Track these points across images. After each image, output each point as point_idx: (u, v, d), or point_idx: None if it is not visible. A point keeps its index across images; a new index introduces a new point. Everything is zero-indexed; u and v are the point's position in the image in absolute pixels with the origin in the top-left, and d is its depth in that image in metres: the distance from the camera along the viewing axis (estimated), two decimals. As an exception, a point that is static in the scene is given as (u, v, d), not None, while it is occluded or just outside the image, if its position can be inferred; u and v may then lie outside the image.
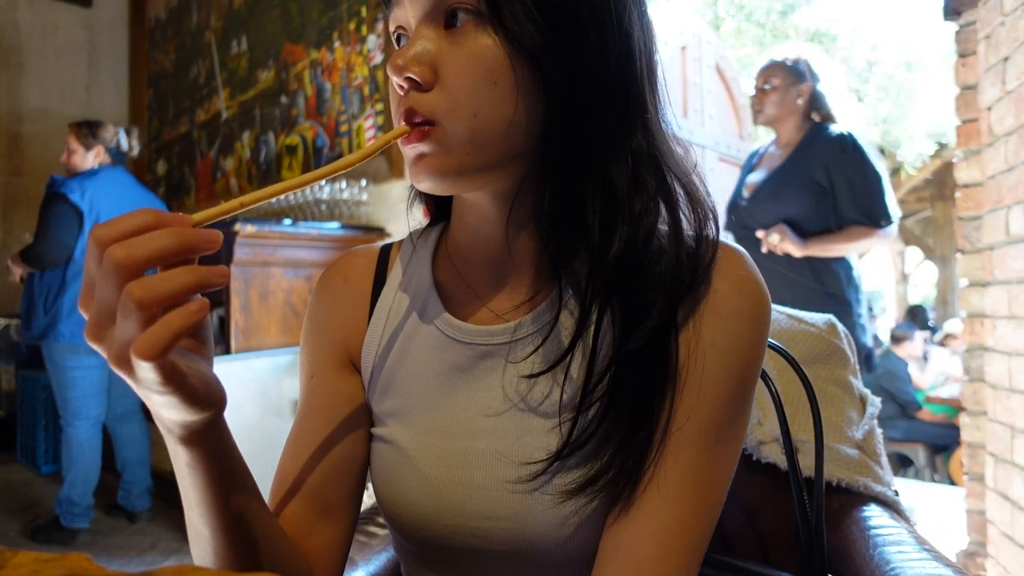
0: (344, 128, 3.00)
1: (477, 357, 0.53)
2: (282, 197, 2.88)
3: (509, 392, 0.51)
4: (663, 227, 0.49)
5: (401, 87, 0.47)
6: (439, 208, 0.61)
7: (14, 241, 2.60)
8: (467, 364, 0.53)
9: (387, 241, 0.64)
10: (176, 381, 0.35)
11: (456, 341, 0.53)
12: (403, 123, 0.47)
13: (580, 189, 0.48)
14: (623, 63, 0.48)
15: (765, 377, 0.67)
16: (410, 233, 0.62)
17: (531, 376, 0.50)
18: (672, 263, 0.47)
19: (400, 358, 0.56)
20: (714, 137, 3.36)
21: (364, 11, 2.91)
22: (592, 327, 0.48)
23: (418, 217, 0.63)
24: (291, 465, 0.55)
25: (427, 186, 0.48)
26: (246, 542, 0.46)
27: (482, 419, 0.52)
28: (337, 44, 3.03)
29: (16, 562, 0.22)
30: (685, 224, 0.49)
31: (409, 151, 0.47)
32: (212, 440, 0.42)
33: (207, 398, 0.38)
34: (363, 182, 2.75)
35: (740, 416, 0.49)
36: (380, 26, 2.82)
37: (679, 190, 0.50)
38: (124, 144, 2.66)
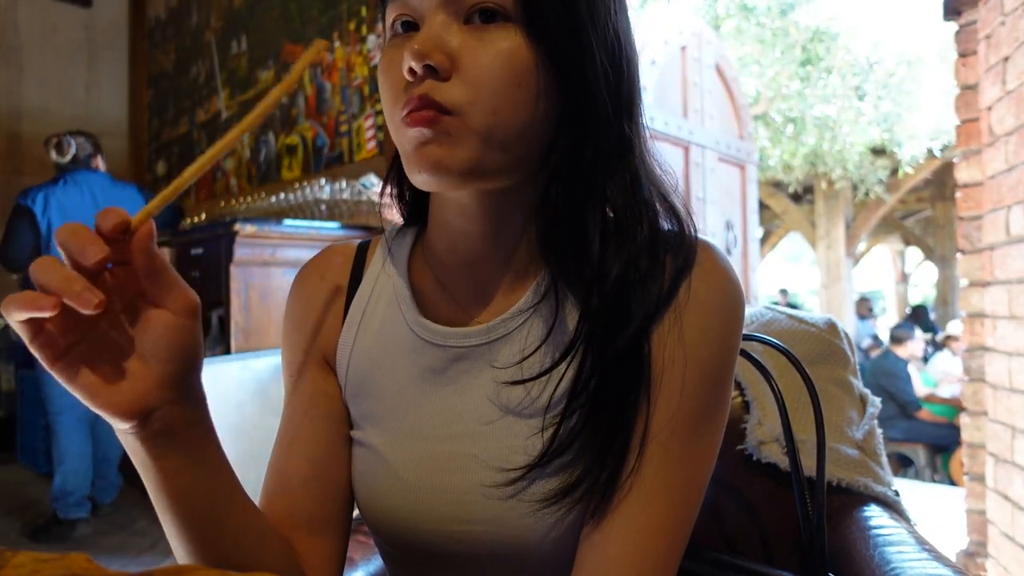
0: (344, 128, 3.00)
1: (451, 360, 0.52)
2: (282, 196, 2.89)
3: (486, 397, 0.51)
4: (658, 246, 0.50)
5: (413, 72, 0.45)
6: (415, 210, 0.60)
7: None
8: (442, 367, 0.52)
9: (366, 238, 0.63)
10: (46, 354, 0.38)
11: (430, 344, 0.53)
12: (410, 112, 0.45)
13: (582, 201, 0.49)
14: (630, 83, 0.50)
15: (767, 376, 0.67)
16: (386, 233, 0.61)
17: (512, 384, 0.49)
18: (653, 277, 0.48)
19: (374, 360, 0.55)
20: (714, 137, 3.37)
21: (364, 11, 2.91)
22: (580, 341, 0.47)
23: (392, 219, 0.62)
24: (277, 478, 0.55)
25: (425, 179, 0.46)
26: (208, 558, 0.46)
27: (458, 423, 0.51)
28: (337, 44, 3.03)
29: (16, 562, 0.22)
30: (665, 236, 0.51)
31: (415, 134, 0.45)
32: (138, 449, 0.42)
33: (92, 396, 0.39)
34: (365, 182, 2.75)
35: (716, 411, 0.49)
36: (380, 26, 2.83)
37: (661, 208, 0.51)
38: (54, 156, 2.75)
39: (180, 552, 0.47)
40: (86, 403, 0.39)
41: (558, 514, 0.47)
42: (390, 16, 0.49)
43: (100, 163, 2.84)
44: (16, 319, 0.36)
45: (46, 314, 0.35)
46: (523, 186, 0.50)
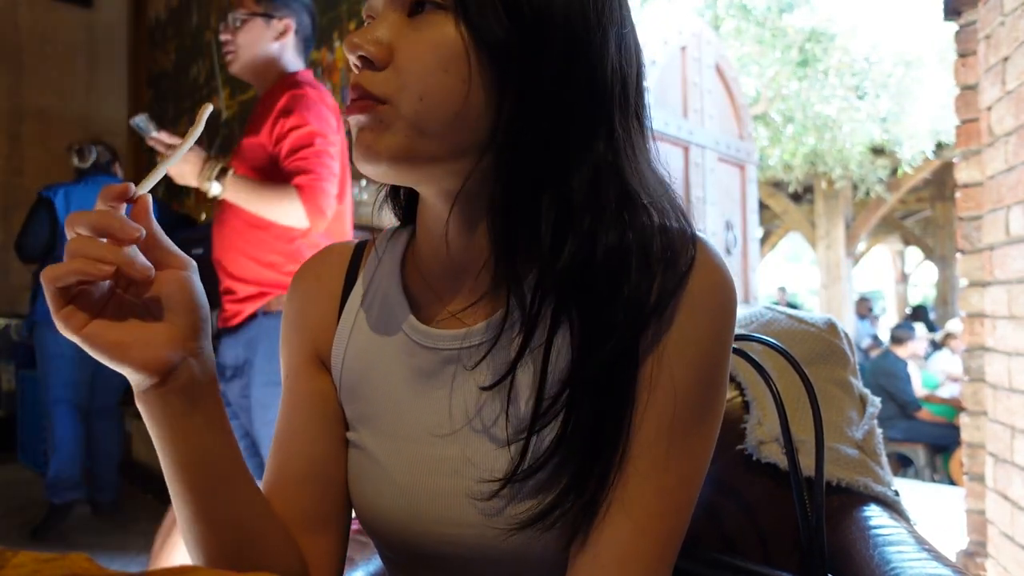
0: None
1: (441, 362, 0.52)
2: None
3: (467, 402, 0.50)
4: (634, 247, 0.47)
5: (356, 65, 0.47)
6: (409, 211, 0.60)
7: (14, 241, 2.77)
8: (432, 369, 0.52)
9: (364, 238, 0.63)
10: (74, 322, 0.41)
11: (421, 346, 0.53)
12: (352, 100, 0.47)
13: (535, 196, 0.47)
14: (591, 79, 0.47)
15: (766, 376, 0.67)
16: (381, 233, 0.61)
17: (483, 389, 0.49)
18: (636, 285, 0.46)
19: (367, 362, 0.55)
20: (714, 137, 3.37)
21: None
22: (543, 343, 0.46)
23: (387, 220, 0.62)
24: (275, 476, 0.55)
25: (363, 167, 0.48)
26: (219, 527, 0.47)
27: (446, 425, 0.51)
28: (337, 44, 3.03)
29: (16, 562, 0.22)
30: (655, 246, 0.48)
31: (352, 122, 0.48)
32: (165, 408, 0.44)
33: (122, 354, 0.42)
34: (363, 182, 2.75)
35: (709, 411, 0.48)
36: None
37: (649, 213, 0.49)
38: (76, 161, 2.88)
39: (188, 529, 0.48)
40: (114, 364, 0.42)
41: (539, 535, 0.46)
42: (363, 17, 0.51)
43: (118, 169, 2.99)
44: (65, 283, 0.39)
45: (104, 277, 0.39)
46: (482, 183, 0.48)
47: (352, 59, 0.47)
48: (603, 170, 0.48)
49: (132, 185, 0.43)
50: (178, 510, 0.48)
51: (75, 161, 2.84)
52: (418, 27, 0.46)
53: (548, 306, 0.46)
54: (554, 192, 0.47)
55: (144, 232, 0.41)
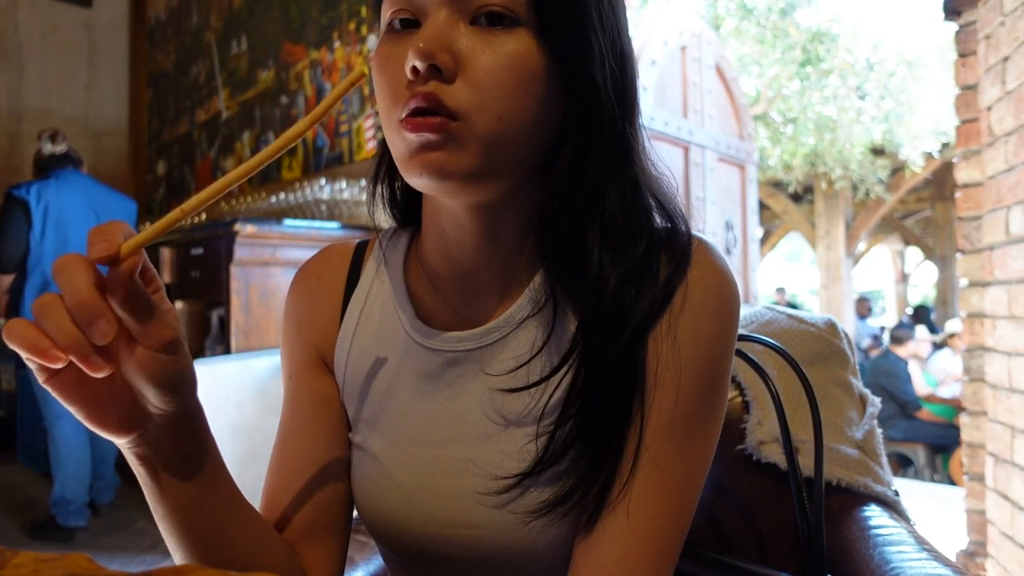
0: (344, 128, 3.00)
1: (446, 364, 0.52)
2: (282, 196, 2.89)
3: (481, 402, 0.51)
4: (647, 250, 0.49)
5: (416, 71, 0.43)
6: (408, 211, 0.59)
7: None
8: (437, 371, 0.52)
9: (365, 238, 0.62)
10: (60, 388, 0.37)
11: (424, 347, 0.53)
12: (413, 115, 0.43)
13: (583, 209, 0.48)
14: (632, 85, 0.50)
15: (765, 377, 0.67)
16: (381, 234, 0.60)
17: (508, 391, 0.49)
18: (648, 283, 0.47)
19: (370, 364, 0.55)
20: (714, 137, 3.36)
21: (364, 11, 2.91)
22: (576, 352, 0.47)
23: (380, 220, 0.60)
24: (277, 479, 0.55)
25: (426, 184, 0.45)
26: (208, 558, 0.46)
27: (452, 428, 0.51)
28: (337, 44, 3.04)
29: (16, 562, 0.22)
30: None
31: (415, 138, 0.44)
32: (138, 464, 0.42)
33: (86, 414, 0.38)
34: (363, 182, 2.75)
35: (712, 411, 0.48)
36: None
37: (657, 211, 0.51)
38: (46, 149, 2.69)
39: (180, 559, 0.47)
40: (80, 420, 0.39)
41: (550, 525, 0.47)
42: (387, 11, 0.47)
43: (84, 171, 2.83)
44: (18, 350, 0.35)
45: (55, 366, 0.35)
46: (518, 194, 0.49)
47: (418, 65, 0.42)
48: (636, 179, 0.49)
49: (118, 247, 0.35)
50: (168, 546, 0.47)
51: (48, 146, 2.63)
52: (490, 40, 0.43)
53: (592, 318, 0.47)
54: (597, 204, 0.48)
55: (113, 334, 0.35)
